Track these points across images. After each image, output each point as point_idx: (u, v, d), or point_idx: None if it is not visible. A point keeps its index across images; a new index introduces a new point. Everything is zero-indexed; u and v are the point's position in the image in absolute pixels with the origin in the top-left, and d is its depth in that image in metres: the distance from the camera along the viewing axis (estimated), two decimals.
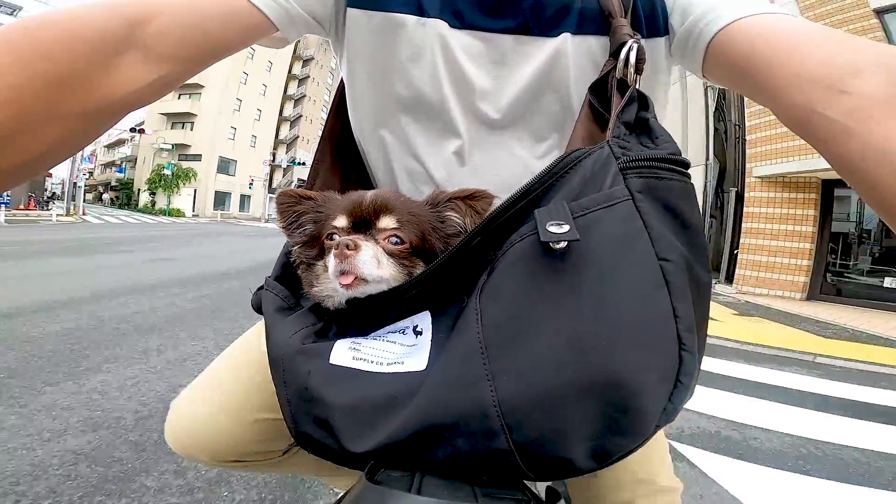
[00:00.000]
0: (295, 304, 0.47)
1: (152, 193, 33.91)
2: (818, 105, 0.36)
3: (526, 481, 0.35)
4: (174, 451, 0.61)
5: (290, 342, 0.41)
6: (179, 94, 35.48)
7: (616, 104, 0.42)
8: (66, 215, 19.85)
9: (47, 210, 21.83)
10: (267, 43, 0.54)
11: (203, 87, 35.13)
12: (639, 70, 0.44)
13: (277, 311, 0.45)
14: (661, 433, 0.60)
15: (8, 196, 21.38)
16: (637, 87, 0.44)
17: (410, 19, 0.50)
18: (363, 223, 0.42)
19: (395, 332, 0.41)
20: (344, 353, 0.39)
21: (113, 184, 45.83)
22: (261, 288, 0.51)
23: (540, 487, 0.49)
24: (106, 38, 0.36)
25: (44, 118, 0.33)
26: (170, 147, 33.38)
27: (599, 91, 0.46)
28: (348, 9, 0.51)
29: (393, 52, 0.51)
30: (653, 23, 0.51)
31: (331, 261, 0.39)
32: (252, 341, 0.62)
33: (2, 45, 0.32)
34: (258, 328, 0.61)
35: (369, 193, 0.44)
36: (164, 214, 30.98)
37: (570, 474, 0.33)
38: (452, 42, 0.51)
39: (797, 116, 0.38)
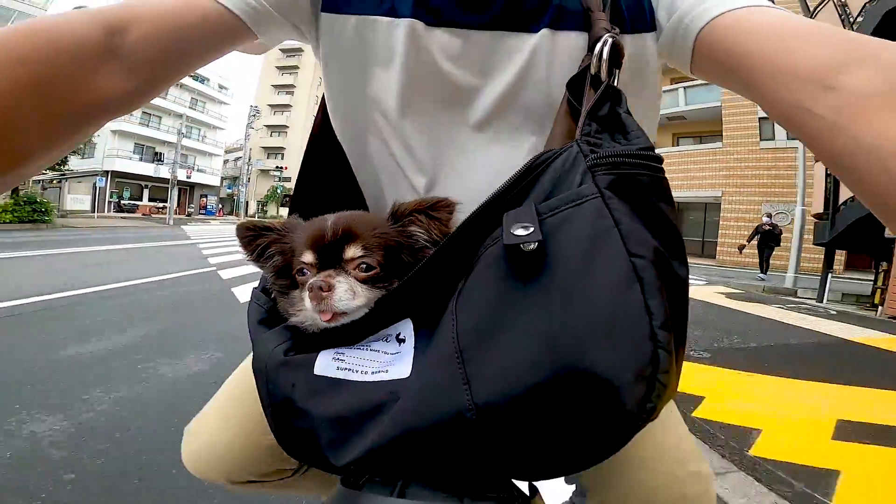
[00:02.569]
0: (279, 315, 0.47)
1: (263, 205, 48.88)
2: (805, 102, 0.35)
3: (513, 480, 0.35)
4: (194, 474, 0.62)
5: (273, 354, 0.42)
6: (271, 132, 50.59)
7: (587, 101, 0.42)
8: (242, 219, 34.62)
9: (233, 215, 36.73)
10: (248, 49, 0.55)
11: (288, 127, 50.15)
12: (617, 65, 0.44)
13: (261, 322, 0.47)
14: (677, 421, 0.59)
15: (213, 207, 36.47)
16: (614, 82, 0.44)
17: (383, 21, 0.51)
18: (330, 256, 0.42)
19: (379, 340, 0.41)
20: (328, 363, 0.39)
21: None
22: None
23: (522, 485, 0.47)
24: (85, 46, 0.37)
25: (25, 124, 0.34)
26: (279, 173, 48.47)
27: (577, 88, 0.45)
28: (322, 13, 0.52)
29: (366, 54, 0.52)
30: (638, 18, 0.51)
31: (307, 300, 0.40)
32: None
33: None
34: None
35: (330, 221, 0.43)
36: (275, 219, 45.99)
37: (552, 475, 0.34)
38: (429, 42, 0.51)
39: (785, 113, 0.38)
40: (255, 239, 0.46)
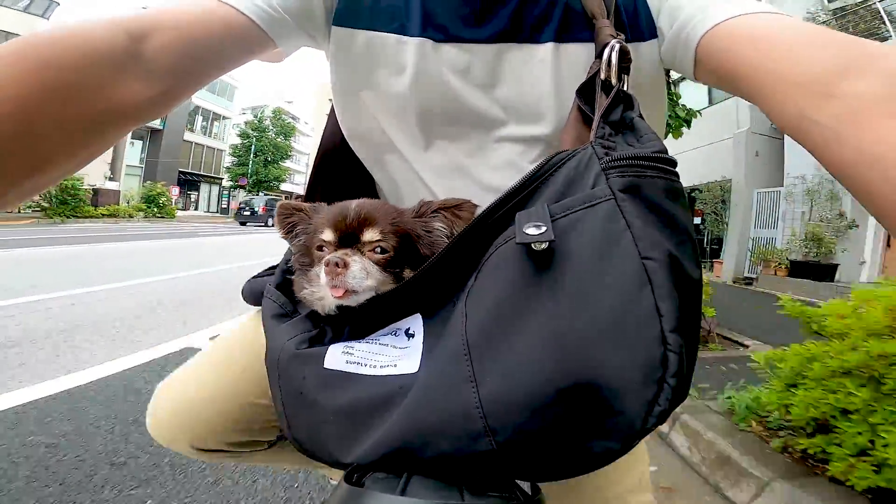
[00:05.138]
0: (292, 310, 0.48)
1: None
2: (808, 111, 0.35)
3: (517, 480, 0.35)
4: (153, 436, 0.60)
5: (285, 347, 0.43)
6: None
7: (600, 105, 0.42)
8: None
9: None
10: (266, 58, 0.57)
11: None
12: (625, 70, 0.44)
13: (275, 317, 0.48)
14: (642, 451, 0.60)
15: None
16: (625, 87, 0.44)
17: (391, 38, 0.53)
18: (349, 237, 0.44)
19: (388, 334, 0.42)
20: (337, 356, 0.40)
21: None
22: (255, 276, 0.56)
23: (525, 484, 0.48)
24: (108, 53, 0.37)
25: (49, 129, 0.34)
26: None
27: (587, 94, 0.46)
28: (333, 27, 0.54)
29: (375, 70, 0.54)
30: (636, 26, 0.52)
31: (322, 275, 0.41)
32: (249, 327, 0.63)
33: (9, 58, 0.33)
34: (257, 314, 0.60)
35: (353, 205, 0.46)
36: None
37: (559, 476, 0.33)
38: (437, 59, 0.52)
39: (790, 122, 0.38)
40: (288, 217, 0.51)
